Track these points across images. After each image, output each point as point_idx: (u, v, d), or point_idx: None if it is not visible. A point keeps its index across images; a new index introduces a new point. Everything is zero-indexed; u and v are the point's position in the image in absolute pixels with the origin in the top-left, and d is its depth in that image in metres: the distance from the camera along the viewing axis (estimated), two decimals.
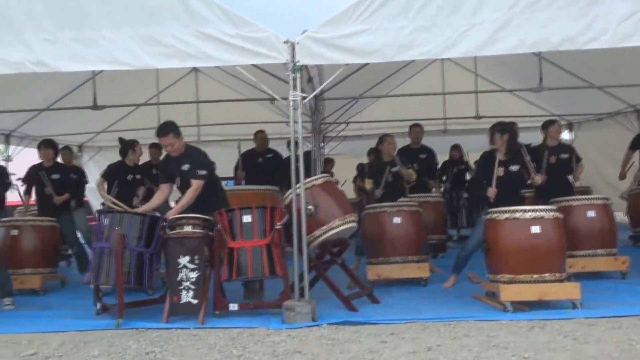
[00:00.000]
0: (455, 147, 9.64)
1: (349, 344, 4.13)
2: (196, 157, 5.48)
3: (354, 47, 4.78)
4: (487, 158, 5.78)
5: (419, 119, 8.83)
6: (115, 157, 11.28)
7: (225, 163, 9.11)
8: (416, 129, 8.24)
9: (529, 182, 5.68)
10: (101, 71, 6.96)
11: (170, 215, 5.16)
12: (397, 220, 6.10)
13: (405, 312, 4.96)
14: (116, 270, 4.87)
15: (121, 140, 7.42)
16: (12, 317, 5.38)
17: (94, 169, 11.14)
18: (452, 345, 4.00)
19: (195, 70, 10.16)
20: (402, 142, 8.04)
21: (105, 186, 6.99)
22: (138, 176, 7.22)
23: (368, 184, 6.82)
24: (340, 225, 5.10)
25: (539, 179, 5.63)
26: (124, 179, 7.09)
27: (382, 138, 6.83)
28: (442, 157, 9.35)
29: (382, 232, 6.14)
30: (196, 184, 5.33)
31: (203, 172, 5.37)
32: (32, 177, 7.33)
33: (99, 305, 5.21)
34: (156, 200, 5.68)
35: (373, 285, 5.81)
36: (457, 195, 9.35)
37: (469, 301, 5.31)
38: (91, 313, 5.29)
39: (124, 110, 10.09)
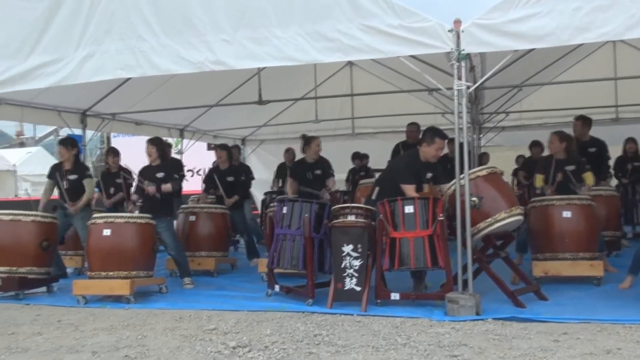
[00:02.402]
0: (630, 140, 8.78)
1: (518, 341, 3.98)
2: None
3: (524, 32, 4.55)
4: None
5: (585, 107, 8.21)
6: (275, 149, 11.82)
7: (379, 155, 9.20)
8: (579, 123, 7.31)
9: None
10: (264, 68, 7.35)
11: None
12: (567, 214, 5.73)
13: (577, 311, 4.67)
14: (306, 254, 5.19)
15: (304, 137, 7.31)
16: (192, 295, 5.94)
17: (256, 162, 11.86)
18: (635, 350, 3.71)
19: (350, 63, 10.34)
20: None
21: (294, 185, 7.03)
22: (318, 172, 6.99)
23: (538, 182, 6.45)
24: (506, 217, 4.93)
25: None
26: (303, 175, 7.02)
27: (550, 136, 6.39)
28: (613, 149, 8.55)
29: (550, 226, 5.80)
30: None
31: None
32: (210, 178, 7.76)
33: (276, 287, 5.54)
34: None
35: (539, 281, 5.54)
36: (634, 190, 8.55)
37: None
38: (261, 295, 5.68)
39: (283, 104, 10.58)
